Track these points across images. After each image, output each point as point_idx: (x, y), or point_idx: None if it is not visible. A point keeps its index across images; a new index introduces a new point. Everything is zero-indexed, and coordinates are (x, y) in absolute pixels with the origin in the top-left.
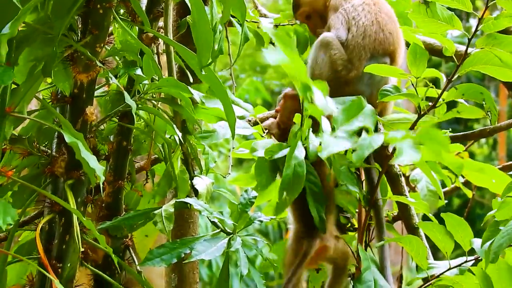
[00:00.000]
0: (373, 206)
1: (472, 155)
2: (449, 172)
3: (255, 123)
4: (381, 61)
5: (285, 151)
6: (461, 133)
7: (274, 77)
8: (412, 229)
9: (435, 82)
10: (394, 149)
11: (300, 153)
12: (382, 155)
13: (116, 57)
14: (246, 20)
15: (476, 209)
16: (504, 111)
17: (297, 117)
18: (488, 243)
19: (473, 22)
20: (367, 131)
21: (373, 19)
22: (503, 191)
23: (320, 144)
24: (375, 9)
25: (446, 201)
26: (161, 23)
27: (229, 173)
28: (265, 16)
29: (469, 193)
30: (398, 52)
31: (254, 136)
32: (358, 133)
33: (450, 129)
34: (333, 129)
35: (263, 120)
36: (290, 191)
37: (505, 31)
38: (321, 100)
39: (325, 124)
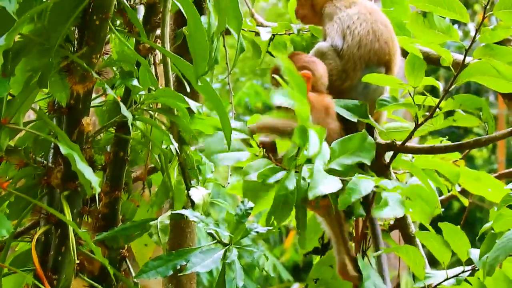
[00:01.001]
0: (368, 216)
1: (471, 159)
2: (445, 180)
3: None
4: (376, 70)
5: (279, 175)
6: (456, 143)
7: None
8: (409, 238)
9: (433, 88)
10: (391, 160)
11: (291, 184)
12: (379, 164)
13: (113, 67)
14: (243, 29)
15: (475, 213)
16: (503, 115)
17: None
18: (485, 256)
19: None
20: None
21: (368, 28)
22: (499, 203)
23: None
24: (370, 18)
25: (445, 205)
26: (158, 32)
27: (228, 182)
28: (262, 24)
29: (466, 202)
30: (393, 62)
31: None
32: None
33: (447, 137)
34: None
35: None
36: (278, 217)
37: (501, 42)
38: (316, 147)
39: (318, 163)
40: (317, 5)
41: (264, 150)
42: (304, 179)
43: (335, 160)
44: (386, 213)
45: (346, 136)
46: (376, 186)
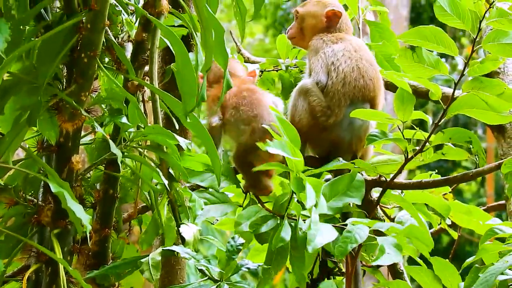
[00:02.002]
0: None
1: (460, 192)
2: (435, 214)
3: None
4: (361, 107)
5: (270, 224)
6: (444, 177)
7: None
8: (398, 274)
9: (421, 121)
10: (380, 196)
11: (286, 234)
12: (366, 201)
13: (102, 105)
14: None
15: (465, 246)
16: (491, 148)
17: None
18: None
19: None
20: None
21: (353, 65)
22: (482, 237)
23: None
24: (356, 55)
25: (435, 239)
26: (146, 68)
27: (217, 219)
28: (249, 60)
29: (455, 235)
30: (378, 98)
31: None
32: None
33: (436, 170)
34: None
35: None
36: (274, 266)
37: (490, 74)
38: (312, 200)
39: (314, 215)
40: (306, 34)
41: (250, 194)
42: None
43: (326, 204)
44: (384, 261)
45: (336, 178)
46: (373, 231)
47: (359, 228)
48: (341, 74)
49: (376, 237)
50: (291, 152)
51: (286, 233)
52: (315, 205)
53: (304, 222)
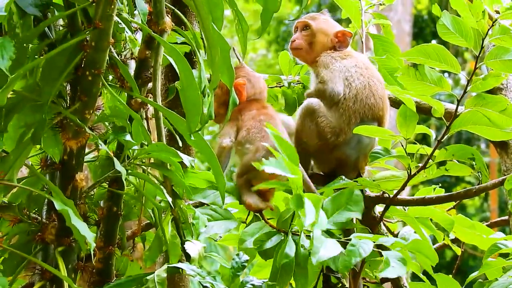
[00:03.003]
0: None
1: (463, 207)
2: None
3: None
4: (370, 125)
5: (274, 240)
6: (447, 194)
7: None
8: None
9: (424, 136)
10: (383, 213)
11: (291, 250)
12: (369, 218)
13: (106, 122)
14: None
15: (468, 261)
16: (495, 163)
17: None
18: None
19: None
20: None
21: (365, 83)
22: (485, 252)
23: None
24: (367, 73)
25: (438, 254)
26: (150, 85)
27: (220, 236)
28: None
29: (458, 250)
30: (385, 117)
31: None
32: None
33: (439, 185)
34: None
35: None
36: (279, 282)
37: (492, 91)
38: (311, 217)
39: (316, 231)
40: (315, 49)
41: (254, 212)
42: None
43: (329, 219)
44: (389, 274)
45: (337, 193)
46: (377, 245)
47: (364, 242)
48: (354, 91)
49: (380, 251)
50: (289, 170)
51: (290, 249)
52: (314, 223)
53: (308, 238)
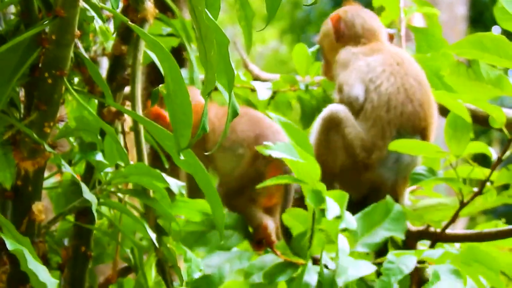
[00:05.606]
0: None
1: None
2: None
3: None
4: (410, 139)
5: (288, 272)
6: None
7: None
8: None
9: (484, 156)
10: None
11: (311, 278)
12: None
13: (70, 138)
14: (236, 86)
15: None
16: None
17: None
18: None
19: None
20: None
21: (398, 85)
22: None
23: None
24: (399, 70)
25: None
26: (127, 90)
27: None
28: (259, 78)
29: None
30: (430, 129)
31: None
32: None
33: (504, 219)
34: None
35: None
36: None
37: None
38: (335, 210)
39: (341, 241)
40: (329, 53)
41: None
42: (326, 266)
43: (359, 241)
44: None
45: (368, 209)
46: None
47: (405, 258)
48: (384, 96)
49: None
50: (300, 156)
51: (310, 277)
52: (340, 217)
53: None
